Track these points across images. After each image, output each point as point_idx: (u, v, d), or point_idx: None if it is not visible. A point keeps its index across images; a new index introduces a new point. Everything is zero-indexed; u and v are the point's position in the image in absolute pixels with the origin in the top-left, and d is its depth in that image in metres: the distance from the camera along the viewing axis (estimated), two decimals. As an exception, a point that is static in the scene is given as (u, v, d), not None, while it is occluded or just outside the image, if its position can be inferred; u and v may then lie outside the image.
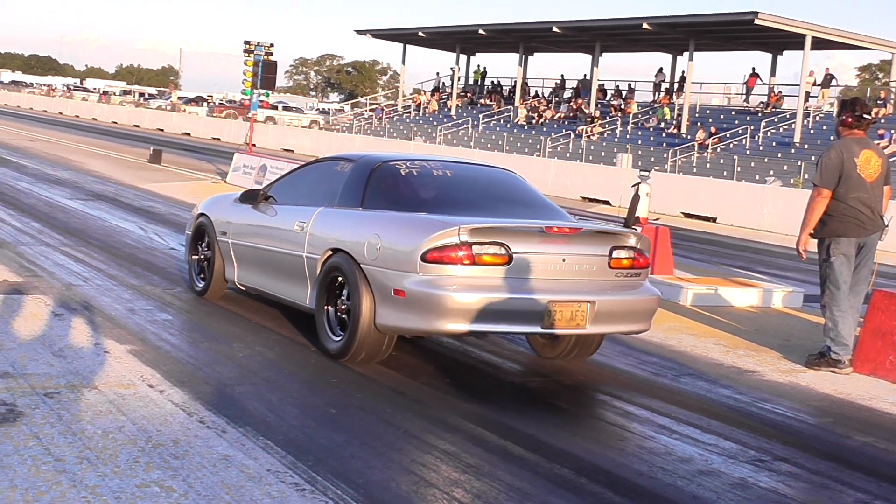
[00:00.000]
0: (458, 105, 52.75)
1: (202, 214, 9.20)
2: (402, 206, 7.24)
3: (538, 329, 6.66)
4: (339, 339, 7.04)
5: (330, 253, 7.22)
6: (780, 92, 42.33)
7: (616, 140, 41.42)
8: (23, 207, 14.88)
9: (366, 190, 7.46)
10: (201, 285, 9.06)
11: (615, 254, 6.95)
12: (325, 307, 7.24)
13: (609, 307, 6.84)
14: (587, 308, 6.68)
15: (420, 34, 52.39)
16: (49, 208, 15.12)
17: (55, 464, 4.50)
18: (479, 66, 57.47)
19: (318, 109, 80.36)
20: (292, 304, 7.79)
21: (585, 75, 49.15)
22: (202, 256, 9.12)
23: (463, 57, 55.90)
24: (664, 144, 38.87)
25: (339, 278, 7.09)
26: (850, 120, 8.16)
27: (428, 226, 6.62)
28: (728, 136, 38.00)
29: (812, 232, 8.13)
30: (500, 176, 8.21)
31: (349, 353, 6.89)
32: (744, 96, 43.87)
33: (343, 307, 7.07)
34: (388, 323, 6.70)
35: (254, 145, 27.98)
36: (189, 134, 54.71)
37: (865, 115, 8.19)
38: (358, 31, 55.70)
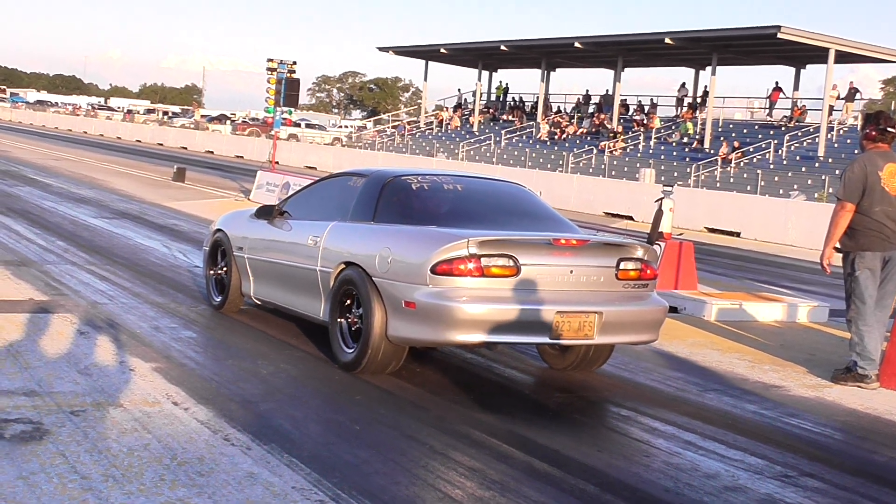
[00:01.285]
0: (480, 121, 52.82)
1: (219, 230, 9.30)
2: (413, 220, 7.30)
3: (546, 339, 6.74)
4: (351, 350, 7.12)
5: (343, 266, 7.30)
6: (804, 106, 42.16)
7: (639, 155, 41.36)
8: (48, 226, 14.99)
9: (378, 204, 7.53)
10: (218, 299, 9.14)
11: (622, 265, 7.03)
12: (339, 319, 7.30)
13: (617, 318, 6.91)
14: (595, 319, 6.75)
15: (442, 50, 52.52)
16: (74, 226, 15.23)
17: (81, 482, 4.52)
18: (501, 81, 57.68)
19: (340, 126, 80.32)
20: (307, 316, 7.86)
21: (608, 90, 49.11)
22: (219, 271, 9.19)
23: (485, 73, 56.00)
24: (687, 159, 38.79)
25: (352, 291, 7.15)
26: (874, 133, 8.13)
27: (437, 238, 6.70)
28: (751, 150, 37.86)
29: (837, 246, 8.09)
30: (509, 189, 8.28)
31: (361, 365, 6.96)
32: (767, 110, 43.76)
33: (356, 319, 7.13)
34: (399, 334, 6.77)
35: (277, 163, 28.06)
36: (213, 152, 55.03)
37: (890, 129, 8.15)
38: (380, 48, 55.97)
